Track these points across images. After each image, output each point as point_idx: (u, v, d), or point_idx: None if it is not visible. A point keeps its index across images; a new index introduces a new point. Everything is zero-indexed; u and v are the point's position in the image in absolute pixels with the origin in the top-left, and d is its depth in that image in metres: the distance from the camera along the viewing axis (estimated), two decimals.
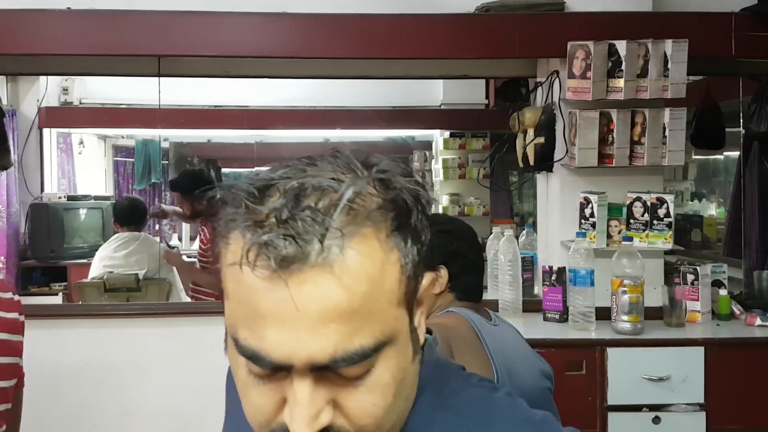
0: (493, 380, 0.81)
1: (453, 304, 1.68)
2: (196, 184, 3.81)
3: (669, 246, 2.80)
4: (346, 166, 0.65)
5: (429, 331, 0.81)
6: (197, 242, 4.18)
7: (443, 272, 1.67)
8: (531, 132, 2.97)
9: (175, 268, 3.99)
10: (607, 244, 2.81)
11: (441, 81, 5.33)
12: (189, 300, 3.95)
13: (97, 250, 4.13)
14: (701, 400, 2.53)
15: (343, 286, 0.60)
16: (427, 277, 0.70)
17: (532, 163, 2.97)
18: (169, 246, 4.77)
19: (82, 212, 4.91)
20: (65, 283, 4.58)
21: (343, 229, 0.60)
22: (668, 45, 2.71)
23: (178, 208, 4.27)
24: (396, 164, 0.68)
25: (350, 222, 0.61)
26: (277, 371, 0.63)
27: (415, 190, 0.66)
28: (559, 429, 0.75)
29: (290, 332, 0.60)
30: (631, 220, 2.81)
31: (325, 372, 0.62)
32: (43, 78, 4.75)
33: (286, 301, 0.60)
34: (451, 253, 1.69)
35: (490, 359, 1.55)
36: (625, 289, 2.56)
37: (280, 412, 0.64)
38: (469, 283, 1.71)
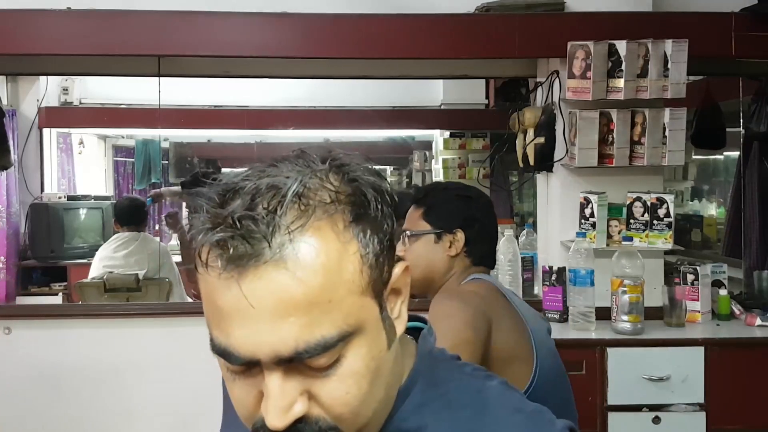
0: (485, 369, 0.82)
1: (469, 269, 1.75)
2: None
3: (669, 246, 2.80)
4: (304, 164, 0.67)
5: (423, 321, 0.83)
6: None
7: (459, 235, 1.73)
8: (531, 132, 2.97)
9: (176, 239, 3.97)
10: (607, 244, 2.81)
11: (441, 81, 5.33)
12: (189, 299, 3.96)
13: (97, 250, 4.13)
14: (701, 400, 2.53)
15: (298, 279, 0.62)
16: (400, 266, 0.71)
17: (532, 163, 2.97)
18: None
19: (82, 212, 4.91)
20: (65, 283, 4.57)
21: (292, 224, 0.62)
22: (668, 45, 2.71)
23: (174, 188, 4.28)
24: (355, 156, 0.69)
25: (300, 216, 0.63)
26: (250, 367, 0.65)
27: (373, 181, 0.68)
28: (552, 419, 0.75)
29: (251, 328, 0.62)
30: (631, 220, 2.81)
31: (293, 364, 0.64)
32: (43, 78, 4.75)
33: (240, 298, 0.62)
34: (468, 218, 1.75)
35: (525, 323, 1.65)
36: (625, 289, 2.56)
37: (260, 406, 0.66)
38: (484, 249, 1.78)
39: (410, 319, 0.79)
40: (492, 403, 0.75)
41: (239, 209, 0.62)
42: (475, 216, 1.75)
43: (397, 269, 0.71)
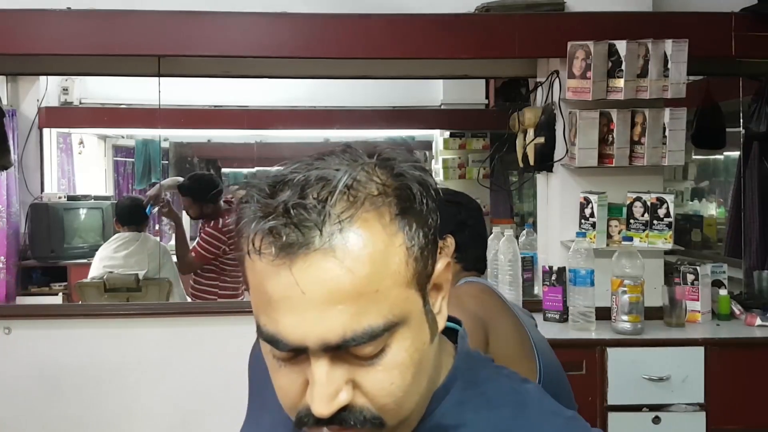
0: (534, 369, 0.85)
1: (460, 274, 1.74)
2: (207, 189, 3.91)
3: (669, 246, 2.80)
4: (351, 158, 0.68)
5: (459, 323, 0.84)
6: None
7: (450, 241, 1.69)
8: (531, 132, 2.97)
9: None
10: (607, 244, 2.81)
11: (441, 81, 5.33)
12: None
13: (97, 250, 4.13)
14: (701, 400, 2.53)
15: (346, 268, 0.63)
16: (442, 261, 0.72)
17: (532, 163, 2.97)
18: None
19: (82, 212, 4.91)
20: (65, 283, 4.57)
21: (342, 214, 0.64)
22: (668, 45, 2.71)
23: (171, 179, 4.28)
24: (401, 152, 0.71)
25: (349, 207, 0.64)
26: (296, 354, 0.66)
27: (419, 176, 0.69)
28: (587, 426, 0.77)
29: (300, 315, 0.64)
30: (631, 220, 2.81)
31: (340, 352, 0.65)
32: (43, 78, 4.75)
33: (292, 285, 0.63)
34: (459, 223, 1.73)
35: (521, 322, 1.65)
36: (625, 289, 2.56)
37: (304, 395, 0.67)
38: (476, 254, 1.77)
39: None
40: (530, 404, 0.77)
41: (291, 198, 0.64)
42: (465, 221, 1.75)
43: (440, 264, 0.72)
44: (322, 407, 0.65)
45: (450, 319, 0.82)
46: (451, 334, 0.82)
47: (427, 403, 0.75)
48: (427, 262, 0.70)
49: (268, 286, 0.65)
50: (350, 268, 0.63)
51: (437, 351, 0.75)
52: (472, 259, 1.76)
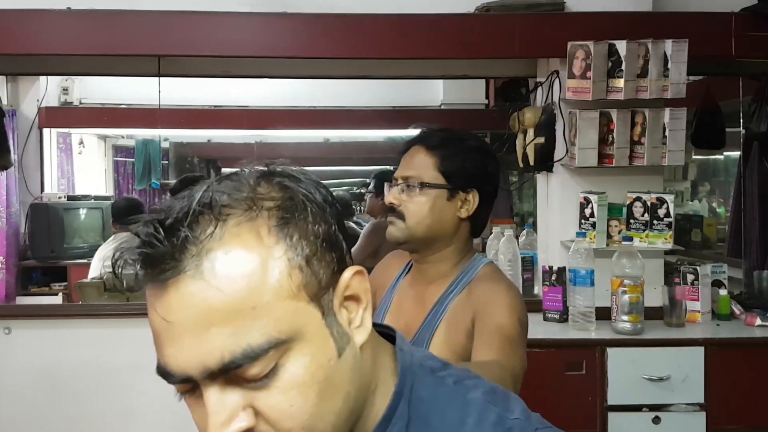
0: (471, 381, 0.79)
1: (469, 240, 1.61)
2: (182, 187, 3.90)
3: (669, 246, 2.79)
4: (236, 177, 0.68)
5: (393, 330, 0.80)
6: None
7: (473, 196, 1.55)
8: (531, 132, 2.97)
9: None
10: (607, 244, 2.81)
11: (441, 81, 5.33)
12: None
13: (97, 250, 4.13)
14: (701, 400, 2.53)
15: (215, 288, 0.61)
16: (349, 271, 0.69)
17: (532, 163, 2.97)
18: None
19: (82, 212, 4.91)
20: (65, 283, 4.57)
21: (201, 234, 0.62)
22: (668, 45, 2.71)
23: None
24: (295, 170, 0.70)
25: (212, 225, 0.62)
26: (193, 387, 0.64)
27: (305, 187, 0.68)
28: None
29: (177, 344, 0.62)
30: (631, 220, 2.80)
31: (229, 377, 0.62)
32: (43, 78, 4.75)
33: (163, 314, 0.62)
34: (485, 178, 1.57)
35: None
36: (625, 289, 2.56)
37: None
38: (485, 218, 1.61)
39: (382, 328, 0.78)
40: (472, 417, 0.73)
41: (143, 231, 0.63)
42: (491, 176, 1.58)
43: (347, 274, 0.69)
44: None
45: (381, 326, 0.79)
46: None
47: (353, 421, 0.70)
48: (319, 272, 0.66)
49: (150, 320, 0.64)
50: (219, 287, 0.61)
51: (364, 365, 0.71)
52: (482, 223, 1.61)
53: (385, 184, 1.61)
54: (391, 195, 1.57)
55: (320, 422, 0.65)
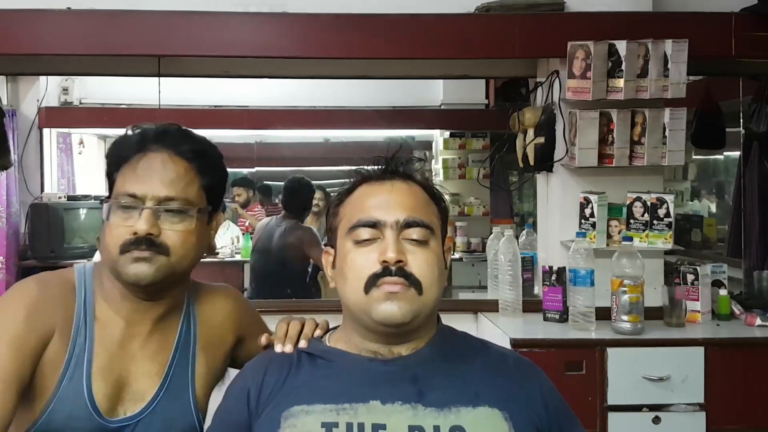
0: None
1: None
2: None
3: (669, 246, 2.80)
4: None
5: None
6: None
7: None
8: (531, 132, 2.97)
9: None
10: (607, 244, 2.81)
11: (441, 81, 5.34)
12: None
13: (97, 250, 4.13)
14: (701, 400, 2.53)
15: (413, 193, 1.16)
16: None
17: (532, 163, 2.97)
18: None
19: (82, 212, 4.91)
20: None
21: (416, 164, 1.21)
22: (668, 45, 2.71)
23: None
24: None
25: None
26: (374, 235, 1.11)
27: None
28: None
29: (388, 206, 1.14)
30: (631, 220, 2.81)
31: (405, 230, 1.11)
32: (43, 78, 4.76)
33: (390, 191, 1.15)
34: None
35: None
36: (625, 289, 2.56)
37: (374, 266, 1.08)
38: None
39: None
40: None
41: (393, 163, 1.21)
42: None
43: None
44: (392, 253, 1.07)
45: None
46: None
47: (432, 315, 1.15)
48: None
49: (372, 194, 1.15)
50: (416, 193, 1.17)
51: (445, 274, 1.16)
52: None
53: None
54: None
55: (434, 287, 1.13)
